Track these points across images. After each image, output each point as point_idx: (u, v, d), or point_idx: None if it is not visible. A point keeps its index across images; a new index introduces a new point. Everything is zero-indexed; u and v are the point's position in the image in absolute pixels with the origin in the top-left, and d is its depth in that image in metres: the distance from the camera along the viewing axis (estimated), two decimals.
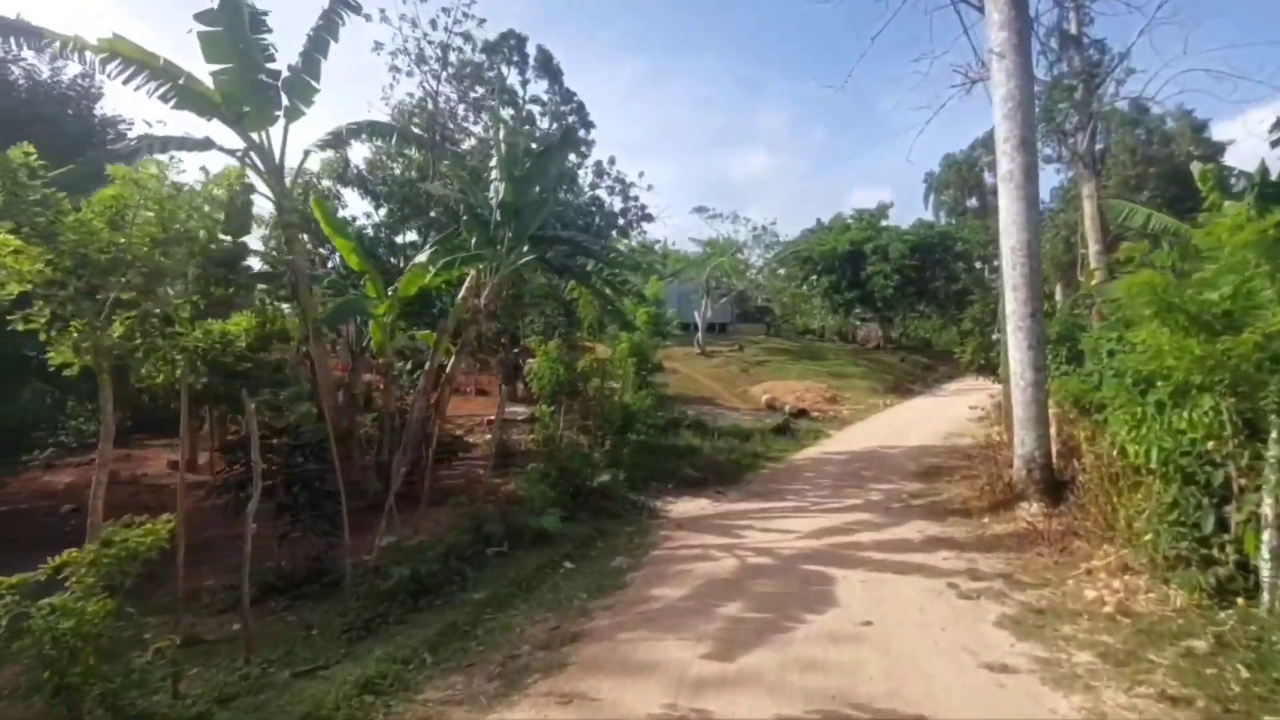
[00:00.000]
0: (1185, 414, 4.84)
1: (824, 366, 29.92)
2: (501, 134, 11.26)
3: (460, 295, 10.04)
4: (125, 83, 7.86)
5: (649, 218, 26.46)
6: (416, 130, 12.88)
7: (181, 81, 7.94)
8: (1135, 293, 4.69)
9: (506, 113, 21.83)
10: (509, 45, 43.92)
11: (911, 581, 5.95)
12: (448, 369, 9.89)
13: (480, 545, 7.22)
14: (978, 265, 39.19)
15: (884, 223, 39.00)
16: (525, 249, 9.83)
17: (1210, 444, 4.80)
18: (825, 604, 5.52)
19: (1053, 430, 8.50)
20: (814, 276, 37.96)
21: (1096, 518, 6.57)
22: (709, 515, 9.62)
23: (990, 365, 16.21)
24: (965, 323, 17.20)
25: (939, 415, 20.25)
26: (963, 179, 40.66)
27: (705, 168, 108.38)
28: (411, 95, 20.22)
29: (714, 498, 10.94)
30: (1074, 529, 6.73)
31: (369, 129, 9.55)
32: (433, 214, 13.36)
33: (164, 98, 7.92)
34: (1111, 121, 26.81)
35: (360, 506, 9.07)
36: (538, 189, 9.84)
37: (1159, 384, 5.64)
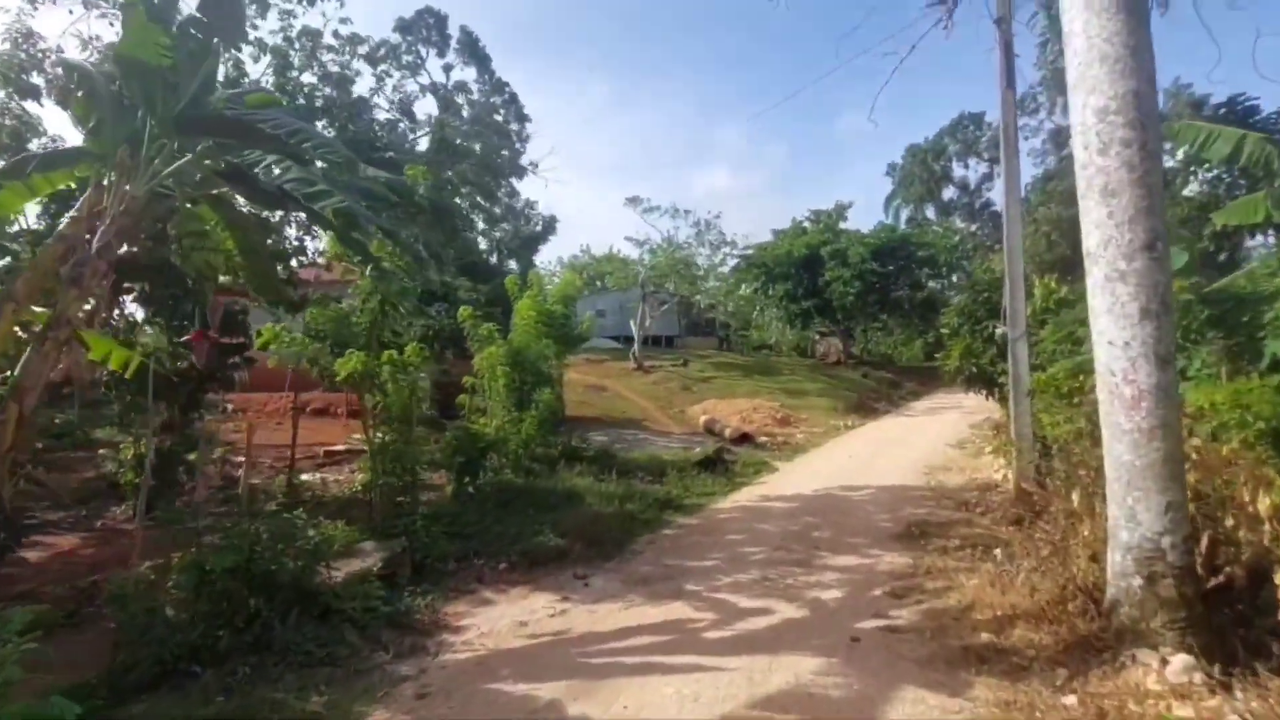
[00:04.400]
0: None
1: (777, 383, 26.06)
2: None
3: (60, 227, 5.35)
4: None
5: (522, 170, 21.08)
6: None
7: None
8: None
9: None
10: (427, 24, 39.41)
11: None
12: (26, 361, 5.14)
13: None
14: (949, 277, 35.66)
15: (843, 225, 35.38)
16: (176, 146, 5.19)
17: None
18: None
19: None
20: (769, 285, 33.98)
21: None
22: (521, 650, 5.06)
23: (983, 375, 12.14)
24: (949, 317, 13.12)
25: (912, 440, 16.34)
26: (929, 171, 36.93)
27: (672, 189, 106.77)
28: None
29: (565, 590, 6.49)
30: None
31: None
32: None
33: None
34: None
35: None
36: (209, 38, 5.28)
37: None
